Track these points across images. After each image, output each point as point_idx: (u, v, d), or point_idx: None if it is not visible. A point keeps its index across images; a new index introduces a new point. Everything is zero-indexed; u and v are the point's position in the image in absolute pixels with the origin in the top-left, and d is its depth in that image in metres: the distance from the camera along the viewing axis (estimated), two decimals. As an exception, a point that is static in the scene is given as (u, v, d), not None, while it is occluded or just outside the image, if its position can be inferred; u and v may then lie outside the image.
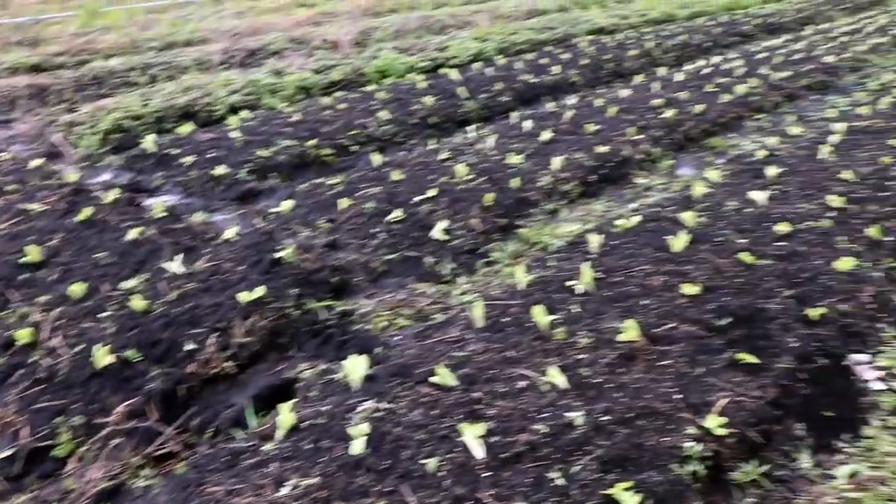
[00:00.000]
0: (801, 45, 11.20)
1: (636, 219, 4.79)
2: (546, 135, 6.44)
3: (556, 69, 9.10)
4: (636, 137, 6.53)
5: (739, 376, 3.25)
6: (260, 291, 3.87)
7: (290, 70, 9.18)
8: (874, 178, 5.58)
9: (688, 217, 4.66)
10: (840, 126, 6.79)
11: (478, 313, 3.61)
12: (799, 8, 15.75)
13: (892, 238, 4.71)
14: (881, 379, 3.55)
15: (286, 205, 5.28)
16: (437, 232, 4.73)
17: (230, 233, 4.71)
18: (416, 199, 5.18)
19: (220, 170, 6.05)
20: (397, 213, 4.97)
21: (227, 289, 4.00)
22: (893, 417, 3.26)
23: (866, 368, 3.63)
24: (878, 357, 3.68)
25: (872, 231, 4.68)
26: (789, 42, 11.71)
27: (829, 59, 10.14)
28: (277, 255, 4.39)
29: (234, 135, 6.79)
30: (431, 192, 5.24)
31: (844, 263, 4.19)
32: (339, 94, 8.47)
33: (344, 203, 5.17)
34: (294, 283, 4.16)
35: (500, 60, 9.84)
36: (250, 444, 2.90)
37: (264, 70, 9.24)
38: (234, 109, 7.94)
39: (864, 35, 12.27)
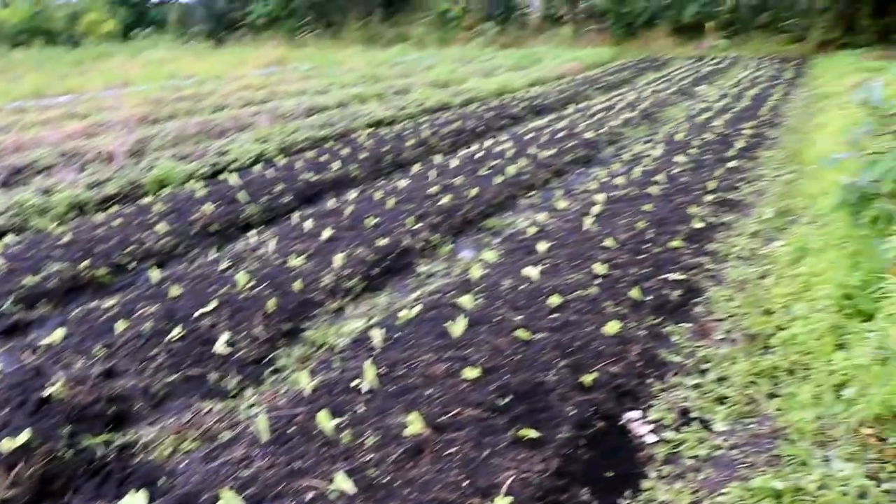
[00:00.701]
0: (564, 124, 12.10)
1: (417, 308, 4.90)
2: (327, 233, 6.48)
3: (336, 165, 9.25)
4: (416, 227, 6.73)
5: (524, 453, 3.36)
6: (25, 436, 3.57)
7: (60, 187, 8.72)
8: (632, 243, 6.07)
9: (466, 301, 4.82)
10: (600, 197, 7.35)
11: (263, 427, 3.52)
12: (561, 89, 17.06)
13: (651, 297, 5.11)
14: (653, 432, 3.80)
15: (57, 334, 4.94)
16: (221, 346, 4.60)
17: (-9, 374, 4.34)
18: (197, 313, 5.03)
19: (-20, 304, 5.59)
20: (178, 331, 4.78)
21: (-13, 440, 3.66)
22: (667, 466, 3.48)
23: (639, 424, 3.87)
24: (649, 411, 3.94)
25: (634, 293, 5.06)
26: (553, 121, 12.61)
27: (589, 134, 11.01)
28: (46, 391, 4.08)
29: (-3, 264, 6.32)
30: (213, 305, 5.10)
31: (612, 327, 4.49)
32: (114, 208, 8.13)
33: (121, 326, 4.92)
34: (66, 421, 3.88)
35: (282, 160, 9.88)
36: None
37: (31, 189, 8.71)
38: (-4, 235, 7.40)
39: (617, 111, 13.47)
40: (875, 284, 3.87)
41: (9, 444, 3.51)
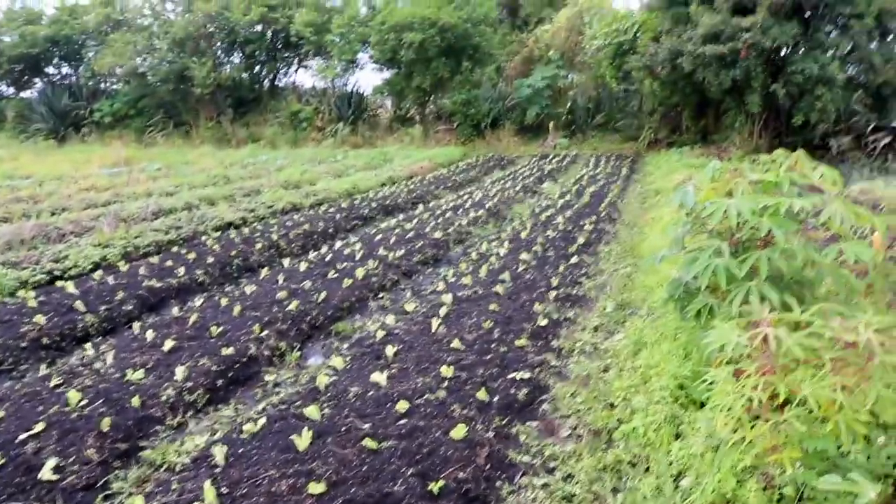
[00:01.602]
0: (413, 224, 12.29)
1: (263, 421, 4.75)
2: (169, 343, 6.21)
3: (181, 270, 8.96)
4: (262, 334, 6.57)
5: (370, 571, 3.26)
6: None
7: None
8: (479, 343, 6.15)
9: (313, 411, 4.72)
10: (448, 297, 7.46)
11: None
12: (411, 189, 17.38)
13: (497, 398, 5.17)
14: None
15: None
16: (47, 472, 4.26)
17: None
18: (21, 437, 4.66)
19: None
20: (-3, 459, 4.41)
21: None
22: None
23: (489, 531, 3.85)
24: (498, 517, 3.94)
25: (481, 394, 5.10)
26: (403, 222, 12.78)
27: (438, 234, 11.23)
28: None
29: None
30: (39, 427, 4.74)
31: (459, 431, 4.49)
32: (-69, 323, 7.52)
33: (-71, 460, 4.49)
34: None
35: (124, 267, 9.47)
36: None
37: None
38: None
39: (465, 210, 13.84)
40: (703, 374, 4.08)
41: None
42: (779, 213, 4.10)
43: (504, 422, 4.90)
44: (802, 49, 19.55)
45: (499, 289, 7.79)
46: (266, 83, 38.20)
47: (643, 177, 19.72)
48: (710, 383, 3.71)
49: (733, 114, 22.95)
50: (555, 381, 5.71)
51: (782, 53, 20.39)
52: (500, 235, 11.41)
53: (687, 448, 4.10)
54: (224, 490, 3.89)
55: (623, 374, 5.58)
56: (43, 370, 6.10)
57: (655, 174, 19.05)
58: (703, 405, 4.51)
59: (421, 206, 14.87)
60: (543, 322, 6.79)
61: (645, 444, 4.50)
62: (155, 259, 9.80)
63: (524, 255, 9.41)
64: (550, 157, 26.58)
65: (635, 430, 4.64)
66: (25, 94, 38.90)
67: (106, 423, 4.79)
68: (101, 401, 5.19)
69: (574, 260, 9.36)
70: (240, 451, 4.37)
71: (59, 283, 8.77)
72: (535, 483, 4.25)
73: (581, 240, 10.55)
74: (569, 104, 31.58)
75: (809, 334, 3.36)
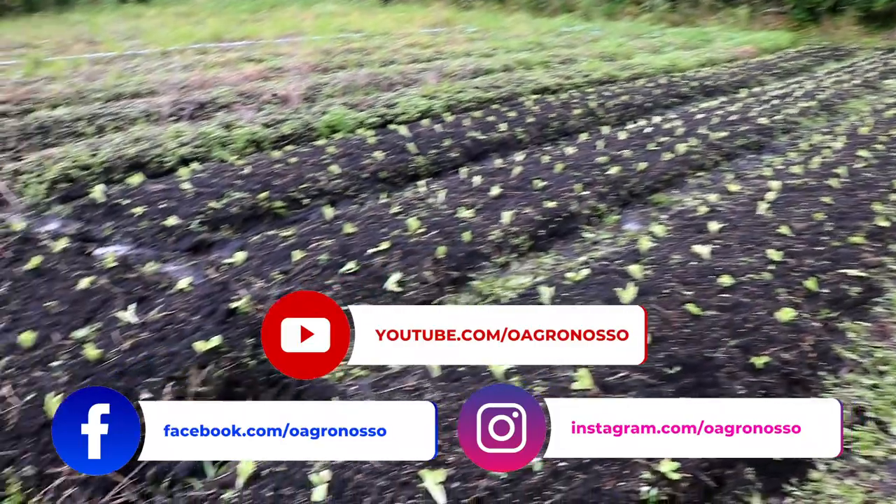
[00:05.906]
0: (736, 107, 11.66)
1: (585, 271, 4.92)
2: (495, 190, 6.57)
3: (503, 126, 9.31)
4: (583, 193, 6.72)
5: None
6: (216, 341, 3.85)
7: (239, 123, 9.22)
8: (809, 234, 5.83)
9: (635, 270, 4.80)
10: (775, 184, 7.08)
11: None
12: (732, 73, 16.39)
13: (827, 290, 4.92)
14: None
15: (239, 256, 5.29)
16: (392, 284, 4.79)
17: (183, 283, 4.69)
18: (370, 251, 5.24)
19: (172, 220, 6.04)
20: (351, 266, 5.01)
21: (182, 338, 3.97)
22: (837, 461, 3.39)
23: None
24: (819, 404, 3.83)
25: (809, 283, 4.88)
26: (725, 104, 12.17)
27: (763, 120, 10.59)
28: (232, 305, 4.39)
29: (185, 186, 6.77)
30: (384, 245, 5.30)
31: (785, 314, 4.36)
32: (289, 147, 8.53)
33: (297, 255, 5.20)
34: (250, 333, 4.16)
35: (448, 118, 10.03)
36: (209, 492, 2.88)
37: (214, 123, 9.24)
38: (184, 161, 7.91)
39: (793, 99, 12.85)
40: None
41: (202, 346, 3.81)
42: None
43: (832, 315, 4.68)
44: None
45: (833, 182, 7.24)
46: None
47: None
48: None
49: None
50: (892, 284, 5.31)
51: None
52: (833, 130, 10.49)
53: None
54: (551, 325, 4.14)
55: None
56: (383, 199, 6.75)
57: None
58: None
59: (744, 91, 14.03)
60: (884, 223, 6.25)
61: None
62: (476, 114, 10.27)
63: (863, 153, 8.61)
64: (899, 51, 23.65)
65: None
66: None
67: (441, 251, 5.25)
68: (435, 231, 5.67)
69: (926, 163, 8.42)
70: (564, 294, 4.59)
71: (390, 127, 9.51)
72: (863, 381, 4.06)
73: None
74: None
75: None
